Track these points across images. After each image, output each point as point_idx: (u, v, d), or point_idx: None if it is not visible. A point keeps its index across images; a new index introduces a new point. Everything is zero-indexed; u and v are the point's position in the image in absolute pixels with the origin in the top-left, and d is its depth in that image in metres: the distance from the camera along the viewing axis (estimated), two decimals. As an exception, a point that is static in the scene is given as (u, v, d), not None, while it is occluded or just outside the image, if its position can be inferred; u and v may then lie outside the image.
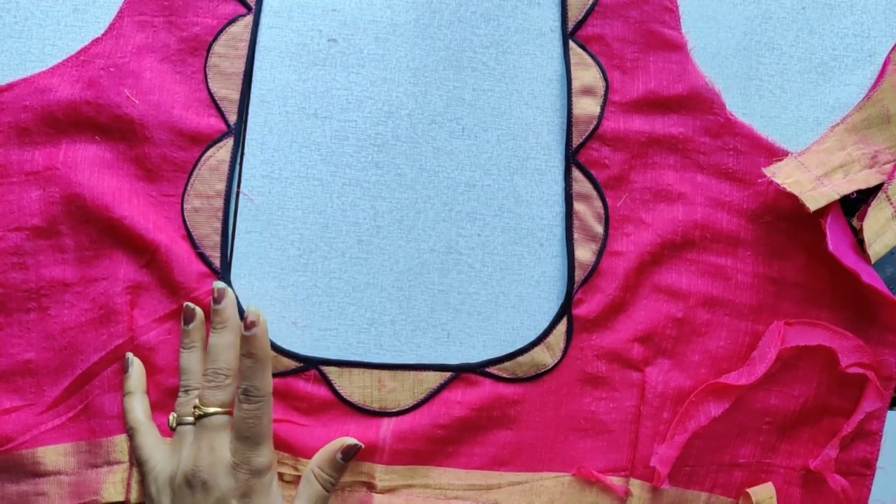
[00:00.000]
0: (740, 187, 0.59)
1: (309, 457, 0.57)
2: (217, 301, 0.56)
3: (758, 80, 0.61)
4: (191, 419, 0.55)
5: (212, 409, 0.54)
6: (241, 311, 0.58)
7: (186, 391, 0.56)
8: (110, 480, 0.57)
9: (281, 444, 0.57)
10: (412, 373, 0.58)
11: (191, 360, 0.56)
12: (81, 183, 0.58)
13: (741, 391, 0.57)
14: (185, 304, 0.57)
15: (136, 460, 0.56)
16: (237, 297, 0.58)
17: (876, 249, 0.57)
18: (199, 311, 0.57)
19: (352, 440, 0.56)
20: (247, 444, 0.53)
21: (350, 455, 0.56)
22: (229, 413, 0.54)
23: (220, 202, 0.59)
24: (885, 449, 0.58)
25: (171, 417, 0.56)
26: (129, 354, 0.57)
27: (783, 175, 0.57)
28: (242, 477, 0.52)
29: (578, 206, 0.60)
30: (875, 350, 0.58)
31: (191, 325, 0.57)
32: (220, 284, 0.56)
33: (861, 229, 0.57)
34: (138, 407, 0.56)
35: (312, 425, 0.58)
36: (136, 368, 0.57)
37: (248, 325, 0.53)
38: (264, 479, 0.53)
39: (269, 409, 0.54)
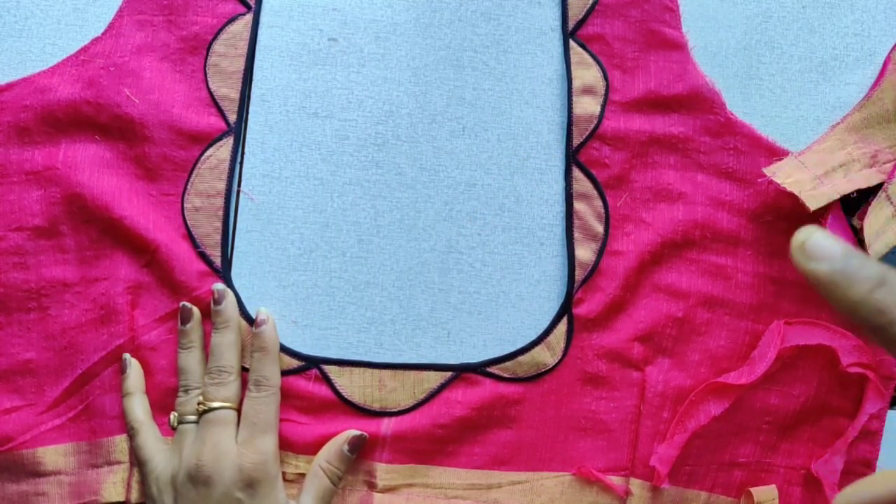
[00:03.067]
0: (740, 187, 0.59)
1: (310, 454, 0.57)
2: (217, 302, 0.57)
3: (758, 80, 0.61)
4: (192, 418, 0.55)
5: (216, 404, 0.55)
6: (243, 311, 0.58)
7: (186, 391, 0.56)
8: (110, 480, 0.57)
9: (282, 443, 0.57)
10: (412, 372, 0.58)
11: (189, 359, 0.57)
12: (81, 182, 0.58)
13: (741, 390, 0.57)
14: (182, 303, 0.57)
15: (137, 460, 0.56)
16: (238, 297, 0.58)
17: (876, 249, 0.57)
18: (195, 310, 0.57)
19: (356, 431, 0.57)
20: (254, 430, 0.54)
21: (356, 446, 0.56)
22: (233, 409, 0.55)
23: (220, 201, 0.59)
24: (885, 449, 0.58)
25: (171, 416, 0.56)
26: (126, 355, 0.57)
27: (783, 174, 0.57)
28: (248, 467, 0.53)
29: (579, 206, 0.60)
30: (875, 349, 0.58)
31: (188, 325, 0.57)
32: (219, 286, 0.57)
33: (861, 229, 0.57)
34: (138, 407, 0.57)
35: (313, 424, 0.58)
36: (134, 369, 0.57)
37: (258, 324, 0.57)
38: (269, 470, 0.54)
39: (277, 400, 0.56)
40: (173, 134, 0.59)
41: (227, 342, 0.56)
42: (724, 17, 0.61)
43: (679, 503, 0.58)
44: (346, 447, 0.56)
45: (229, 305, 0.57)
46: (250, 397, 0.56)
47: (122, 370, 0.57)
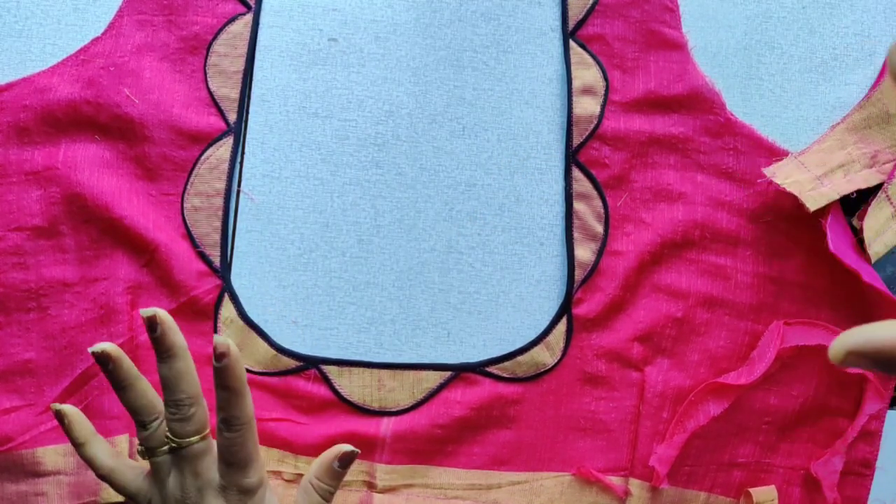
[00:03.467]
0: (740, 187, 0.59)
1: (309, 455, 0.57)
2: (152, 330, 0.48)
3: (758, 80, 0.61)
4: (163, 450, 0.50)
5: (185, 441, 0.49)
6: (241, 311, 0.58)
7: (144, 426, 0.50)
8: (110, 480, 0.57)
9: (281, 443, 0.57)
10: (412, 372, 0.58)
11: (130, 398, 0.50)
12: (81, 182, 0.58)
13: (740, 391, 0.57)
14: (89, 349, 0.49)
15: (127, 497, 0.52)
16: (238, 297, 0.58)
17: (876, 249, 0.57)
18: (108, 347, 0.49)
19: (347, 447, 0.52)
20: (233, 468, 0.49)
21: (346, 462, 0.52)
22: (205, 437, 0.50)
23: (219, 201, 0.59)
24: (885, 449, 0.58)
25: (137, 448, 0.51)
26: (54, 406, 0.51)
27: (783, 175, 0.57)
28: (233, 498, 0.50)
29: (578, 206, 0.60)
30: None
31: (110, 366, 0.49)
32: (148, 312, 0.48)
33: (861, 229, 0.57)
34: (100, 453, 0.51)
35: (312, 424, 0.58)
36: (75, 417, 0.51)
37: (218, 357, 0.47)
38: (255, 496, 0.50)
39: (252, 433, 0.49)
40: (173, 134, 0.59)
41: (175, 373, 0.49)
42: (724, 17, 0.61)
43: (678, 503, 0.58)
44: (336, 464, 0.52)
45: (167, 331, 0.48)
46: (223, 437, 0.49)
47: (59, 420, 0.51)
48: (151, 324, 0.48)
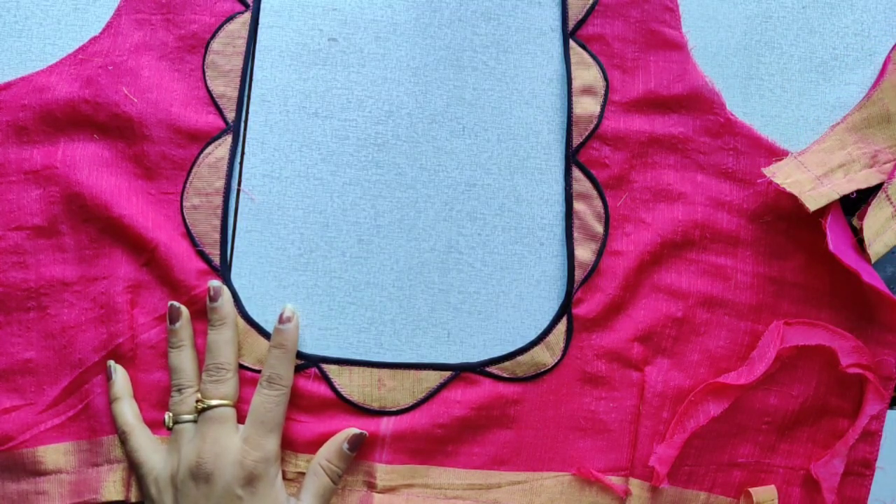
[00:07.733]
0: (740, 187, 0.59)
1: (310, 453, 0.57)
2: (213, 299, 0.57)
3: (758, 80, 0.61)
4: (188, 417, 0.56)
5: (215, 402, 0.55)
6: (241, 310, 0.58)
7: (180, 390, 0.56)
8: (111, 479, 0.57)
9: (282, 441, 0.57)
10: (412, 372, 0.58)
11: (181, 358, 0.57)
12: (80, 182, 0.58)
13: (740, 391, 0.57)
14: (170, 303, 0.57)
15: (133, 463, 0.56)
16: (238, 297, 0.58)
17: (876, 249, 0.57)
18: (184, 309, 0.57)
19: (356, 430, 0.57)
20: (260, 428, 0.54)
21: (356, 444, 0.56)
22: (231, 406, 0.56)
23: (219, 200, 0.59)
24: (885, 449, 0.58)
25: (166, 417, 0.56)
26: (111, 362, 0.57)
27: (783, 175, 0.57)
28: (249, 464, 0.53)
29: (578, 206, 0.60)
30: (875, 350, 0.58)
31: (177, 325, 0.57)
32: (215, 283, 0.57)
33: (861, 229, 0.57)
34: (128, 410, 0.57)
35: (313, 423, 0.58)
36: (120, 374, 0.57)
37: (284, 320, 0.57)
38: (270, 469, 0.54)
39: (286, 401, 0.56)
40: (172, 132, 0.59)
41: (224, 339, 0.56)
42: (724, 17, 0.61)
43: (678, 503, 0.58)
44: (345, 445, 0.56)
45: (225, 302, 0.57)
46: (261, 393, 0.56)
47: (108, 377, 0.57)
48: (214, 293, 0.57)
